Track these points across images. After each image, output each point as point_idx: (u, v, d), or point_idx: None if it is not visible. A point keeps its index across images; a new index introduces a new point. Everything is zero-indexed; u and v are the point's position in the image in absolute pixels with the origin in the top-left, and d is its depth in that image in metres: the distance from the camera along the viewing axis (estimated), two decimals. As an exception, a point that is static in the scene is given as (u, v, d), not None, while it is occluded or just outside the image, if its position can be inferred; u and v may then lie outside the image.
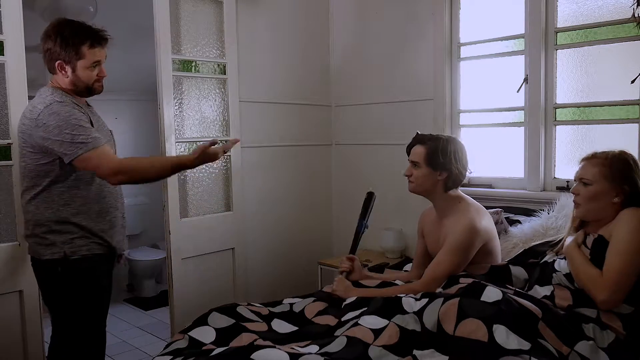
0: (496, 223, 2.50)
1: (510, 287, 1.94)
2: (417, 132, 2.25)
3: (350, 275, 2.26)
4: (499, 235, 2.45)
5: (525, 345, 1.52)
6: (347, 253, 2.35)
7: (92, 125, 1.92)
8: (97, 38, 1.93)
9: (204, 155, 1.95)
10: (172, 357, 1.69)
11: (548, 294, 1.82)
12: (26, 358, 2.37)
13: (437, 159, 2.10)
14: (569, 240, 1.86)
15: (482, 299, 1.64)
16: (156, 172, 1.96)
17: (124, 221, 2.13)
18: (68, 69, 1.91)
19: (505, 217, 2.55)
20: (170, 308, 2.89)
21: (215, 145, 1.98)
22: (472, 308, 1.61)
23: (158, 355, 1.75)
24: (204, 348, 1.74)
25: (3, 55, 2.29)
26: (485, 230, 2.09)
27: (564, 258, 1.85)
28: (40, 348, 2.41)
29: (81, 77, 1.93)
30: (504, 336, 1.53)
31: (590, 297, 1.71)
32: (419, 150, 2.16)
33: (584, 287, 1.73)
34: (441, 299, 1.69)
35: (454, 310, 1.62)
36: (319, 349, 1.66)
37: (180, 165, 2.07)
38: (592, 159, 1.85)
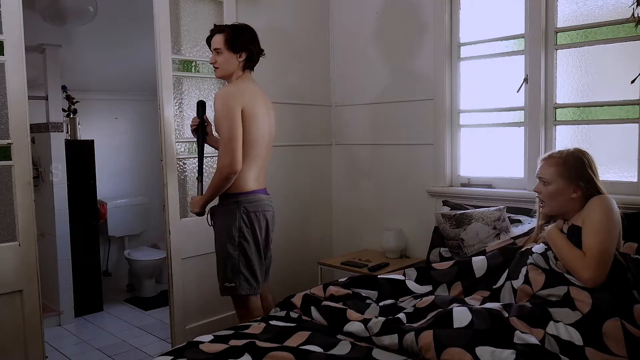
0: (498, 220, 2.51)
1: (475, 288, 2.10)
2: None
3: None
4: (500, 234, 2.46)
5: (511, 357, 1.55)
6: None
7: None
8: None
9: None
10: (172, 357, 1.69)
11: (522, 282, 1.90)
12: (26, 358, 2.37)
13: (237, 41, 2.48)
14: (541, 230, 1.99)
15: (455, 326, 1.67)
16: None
17: None
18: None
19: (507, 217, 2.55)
20: (170, 308, 2.89)
21: None
22: (449, 338, 1.63)
23: (159, 355, 1.75)
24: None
25: (3, 55, 2.29)
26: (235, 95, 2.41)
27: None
28: (41, 348, 2.41)
29: None
30: (489, 356, 1.56)
31: (567, 277, 1.79)
32: None
33: (569, 268, 1.80)
34: (412, 332, 1.70)
35: (430, 339, 1.64)
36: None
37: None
38: (549, 159, 1.97)
